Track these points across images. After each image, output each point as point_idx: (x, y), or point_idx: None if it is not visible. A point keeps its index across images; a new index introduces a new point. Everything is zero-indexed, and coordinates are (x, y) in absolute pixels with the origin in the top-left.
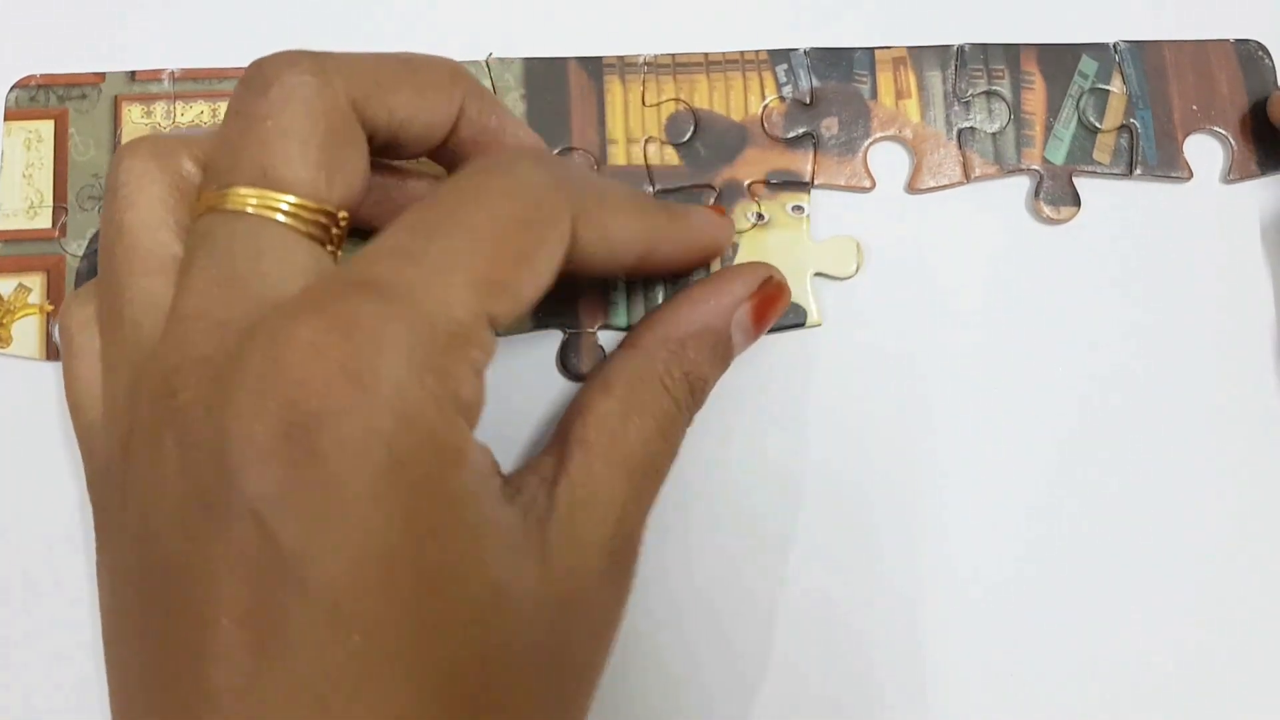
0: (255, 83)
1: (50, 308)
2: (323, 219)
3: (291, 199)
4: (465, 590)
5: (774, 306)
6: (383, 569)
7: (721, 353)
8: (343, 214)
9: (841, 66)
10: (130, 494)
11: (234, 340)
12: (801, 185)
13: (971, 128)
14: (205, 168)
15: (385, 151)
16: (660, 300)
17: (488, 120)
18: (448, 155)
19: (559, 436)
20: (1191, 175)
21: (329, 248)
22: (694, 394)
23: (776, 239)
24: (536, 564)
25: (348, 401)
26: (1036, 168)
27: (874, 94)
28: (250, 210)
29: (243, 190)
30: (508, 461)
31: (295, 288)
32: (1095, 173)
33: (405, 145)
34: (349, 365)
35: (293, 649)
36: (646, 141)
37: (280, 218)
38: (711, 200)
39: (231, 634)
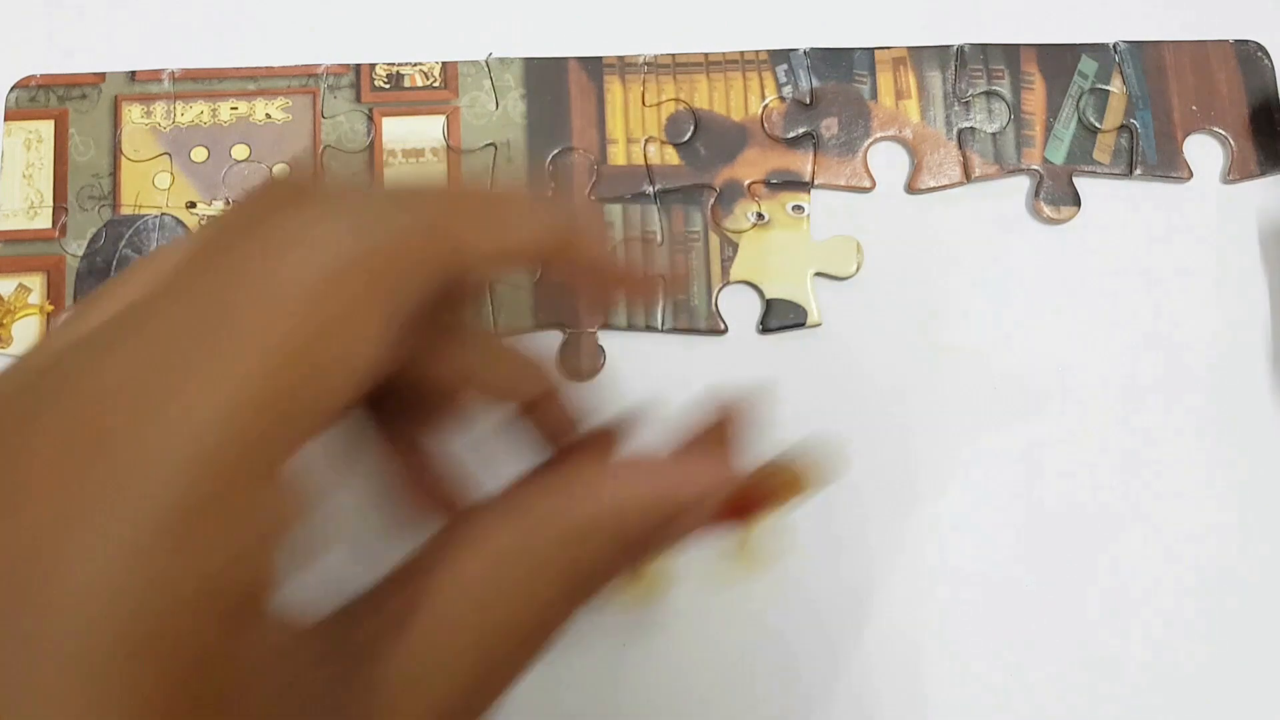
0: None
1: (50, 308)
2: None
3: None
4: None
5: (764, 506)
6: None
7: (633, 553)
8: None
9: (841, 67)
10: None
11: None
12: (801, 185)
13: (971, 128)
14: None
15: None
16: (660, 301)
17: (585, 253)
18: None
19: (413, 583)
20: (1191, 175)
21: None
22: (580, 593)
23: (776, 239)
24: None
25: (71, 566)
26: (1036, 167)
27: (874, 94)
28: None
29: None
30: (510, 459)
31: None
32: (1095, 172)
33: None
34: (84, 519)
35: None
36: (646, 141)
37: None
38: (711, 200)
39: None
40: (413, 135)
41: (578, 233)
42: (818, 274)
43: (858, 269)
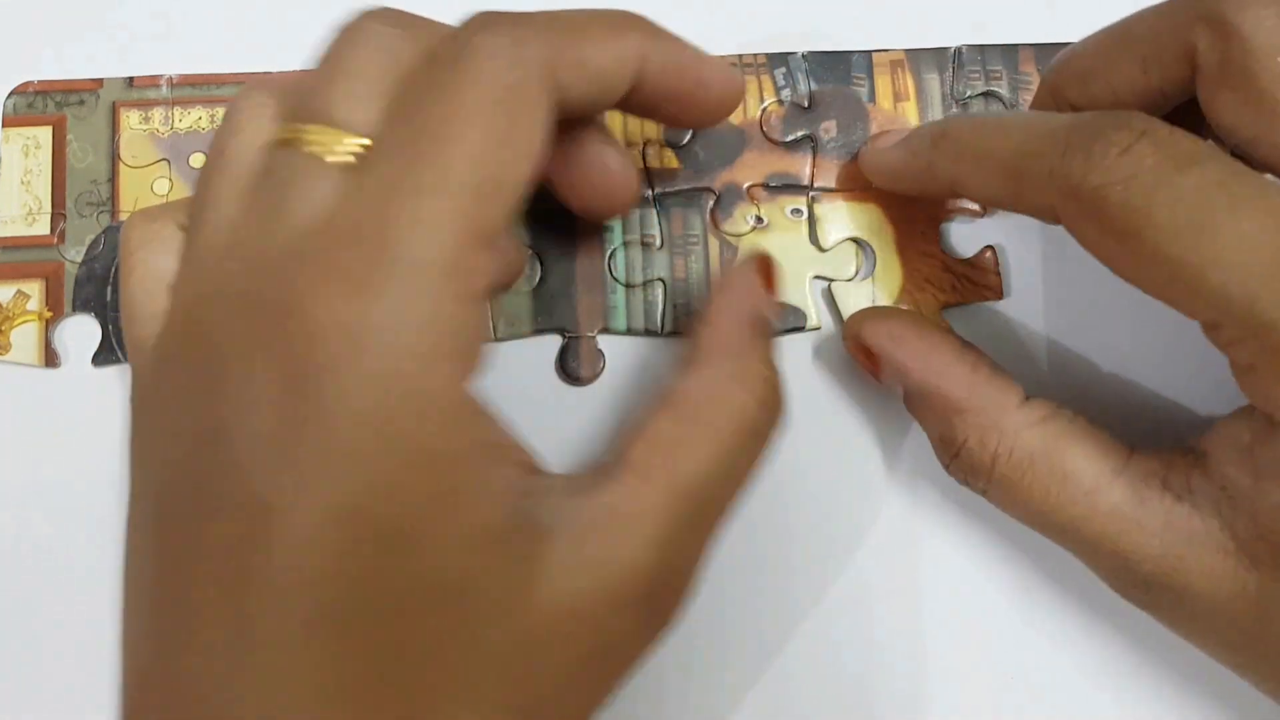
0: (341, 29)
1: (49, 314)
2: None
3: (352, 140)
4: (420, 564)
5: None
6: (345, 529)
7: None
8: None
9: (839, 69)
10: (157, 416)
11: (259, 279)
12: (800, 188)
13: None
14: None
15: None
16: (660, 301)
17: (676, 58)
18: (639, 106)
19: (609, 457)
20: None
21: None
22: (774, 399)
23: (776, 242)
24: (518, 564)
25: (344, 358)
26: None
27: (872, 96)
28: (307, 148)
29: (302, 126)
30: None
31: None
32: None
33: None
34: (346, 319)
35: (251, 595)
36: (645, 144)
37: (332, 158)
38: (711, 204)
39: (210, 568)
40: None
41: (657, 39)
42: (817, 277)
43: (857, 271)
